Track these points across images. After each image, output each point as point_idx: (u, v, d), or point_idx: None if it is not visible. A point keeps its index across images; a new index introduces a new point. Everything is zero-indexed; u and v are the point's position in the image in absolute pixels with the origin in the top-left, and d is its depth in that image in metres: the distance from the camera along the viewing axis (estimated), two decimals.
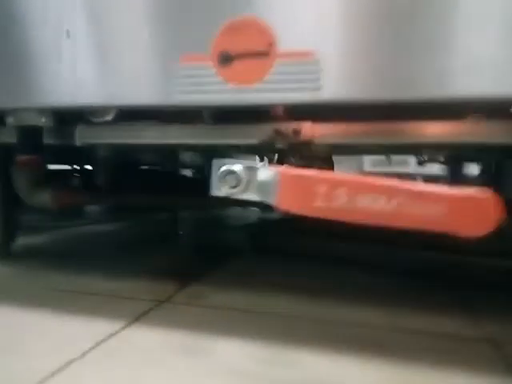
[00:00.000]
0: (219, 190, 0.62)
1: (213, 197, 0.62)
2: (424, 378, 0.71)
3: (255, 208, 3.46)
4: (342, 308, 1.02)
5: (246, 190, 0.60)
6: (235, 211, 3.16)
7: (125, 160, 1.93)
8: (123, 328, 0.86)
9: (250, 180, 0.60)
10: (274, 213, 2.96)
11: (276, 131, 1.01)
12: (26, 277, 1.22)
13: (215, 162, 0.63)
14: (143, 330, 0.86)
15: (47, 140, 1.18)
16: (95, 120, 1.13)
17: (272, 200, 0.58)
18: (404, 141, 0.95)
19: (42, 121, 1.11)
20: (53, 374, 0.67)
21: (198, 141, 1.09)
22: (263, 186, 0.59)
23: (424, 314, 0.99)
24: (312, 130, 0.99)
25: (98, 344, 0.78)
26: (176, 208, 2.57)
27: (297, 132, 1.00)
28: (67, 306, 0.97)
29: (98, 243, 1.80)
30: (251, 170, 0.60)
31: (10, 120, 1.14)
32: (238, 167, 0.61)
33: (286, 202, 0.57)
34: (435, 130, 0.93)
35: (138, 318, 0.91)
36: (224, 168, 0.61)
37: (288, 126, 1.00)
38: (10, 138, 1.18)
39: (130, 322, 0.88)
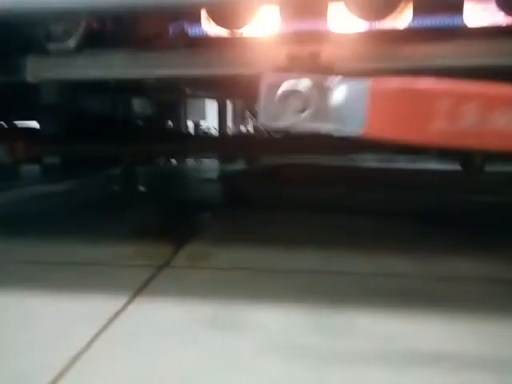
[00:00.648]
0: (277, 117, 0.46)
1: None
2: (494, 326, 0.63)
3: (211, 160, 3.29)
4: (363, 257, 0.92)
5: (317, 115, 0.45)
6: (190, 164, 2.98)
7: (73, 109, 1.66)
8: (128, 302, 0.69)
9: (323, 101, 0.44)
10: (236, 164, 2.82)
11: (290, 56, 0.84)
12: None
13: (266, 78, 0.46)
14: (153, 302, 0.70)
15: None
16: (53, 47, 0.89)
17: (357, 126, 0.44)
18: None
19: None
20: (61, 375, 0.50)
21: (185, 70, 0.90)
22: (344, 108, 0.43)
23: (449, 259, 0.92)
24: (334, 53, 0.83)
25: (105, 326, 0.61)
26: (133, 160, 2.33)
27: (315, 56, 0.84)
28: (51, 280, 0.78)
29: (54, 205, 1.56)
30: (324, 87, 0.45)
31: None
32: (305, 84, 0.45)
33: (382, 127, 0.42)
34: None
35: (140, 288, 0.75)
36: (285, 86, 0.45)
37: (303, 50, 0.84)
38: None
39: (134, 295, 0.72)
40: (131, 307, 0.68)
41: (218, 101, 3.14)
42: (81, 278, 0.80)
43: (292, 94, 0.46)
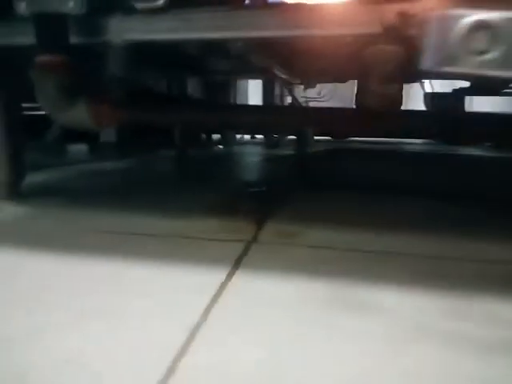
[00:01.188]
0: (452, 60, 0.39)
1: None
2: None
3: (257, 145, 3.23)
4: (466, 242, 0.83)
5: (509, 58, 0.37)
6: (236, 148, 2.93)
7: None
8: (231, 275, 0.64)
9: None
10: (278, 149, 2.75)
11: (401, 14, 0.76)
12: (53, 218, 0.97)
13: (441, 12, 0.38)
14: (257, 276, 0.64)
15: (72, 38, 0.88)
16: (141, 6, 0.84)
17: None
18: None
19: (69, 5, 0.81)
20: (186, 347, 0.45)
21: (281, 32, 0.83)
22: None
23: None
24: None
25: (215, 297, 0.56)
26: (186, 143, 2.30)
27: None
28: (140, 251, 0.74)
29: (118, 181, 1.53)
30: None
31: (21, 6, 0.83)
32: (495, 17, 0.37)
33: None
34: None
35: (238, 261, 0.69)
36: (470, 19, 0.37)
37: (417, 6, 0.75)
38: (19, 36, 0.88)
39: (234, 267, 0.67)
40: (236, 280, 0.62)
41: (264, 81, 3.08)
42: (171, 250, 0.75)
43: (477, 29, 0.38)
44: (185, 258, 0.71)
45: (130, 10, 0.84)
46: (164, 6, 0.83)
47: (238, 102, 3.46)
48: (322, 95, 4.11)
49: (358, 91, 1.59)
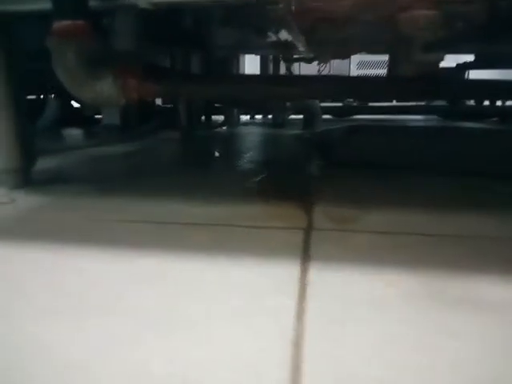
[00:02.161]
0: None
1: None
2: None
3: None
4: None
5: None
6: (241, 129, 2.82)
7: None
8: (305, 270, 0.55)
9: None
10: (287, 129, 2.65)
11: None
12: (73, 208, 0.87)
13: None
14: (334, 271, 0.55)
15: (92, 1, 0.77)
16: None
17: None
18: None
19: None
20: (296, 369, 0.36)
21: None
22: None
23: None
24: None
25: (301, 303, 0.47)
26: (191, 124, 2.19)
27: None
28: (186, 242, 0.65)
29: (130, 165, 1.43)
30: None
31: None
32: None
33: None
34: None
35: (305, 253, 0.61)
36: None
37: None
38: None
39: (304, 260, 0.58)
40: (313, 275, 0.53)
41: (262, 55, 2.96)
42: (222, 241, 0.66)
43: None
44: (243, 250, 0.62)
45: None
46: None
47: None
48: (320, 71, 4.01)
49: (391, 61, 1.49)
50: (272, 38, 1.77)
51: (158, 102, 3.18)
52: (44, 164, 1.30)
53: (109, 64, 0.75)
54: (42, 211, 0.84)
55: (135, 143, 1.93)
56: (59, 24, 0.72)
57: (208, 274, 0.54)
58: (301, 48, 1.86)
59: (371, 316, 0.44)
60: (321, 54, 1.90)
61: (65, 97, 2.90)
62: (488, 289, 0.50)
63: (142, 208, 0.85)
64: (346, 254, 0.60)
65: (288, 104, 2.66)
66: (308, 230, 0.71)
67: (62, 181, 1.13)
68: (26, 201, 0.91)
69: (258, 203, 0.88)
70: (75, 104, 3.06)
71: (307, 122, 2.67)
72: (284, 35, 1.76)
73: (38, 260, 0.60)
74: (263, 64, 3.01)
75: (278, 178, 1.18)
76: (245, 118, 3.62)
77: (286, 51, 1.86)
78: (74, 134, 2.53)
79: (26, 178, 1.02)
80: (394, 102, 4.94)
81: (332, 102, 4.44)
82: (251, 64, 3.27)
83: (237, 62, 2.83)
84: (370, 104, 3.96)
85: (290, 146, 1.95)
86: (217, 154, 1.74)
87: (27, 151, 1.01)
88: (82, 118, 2.81)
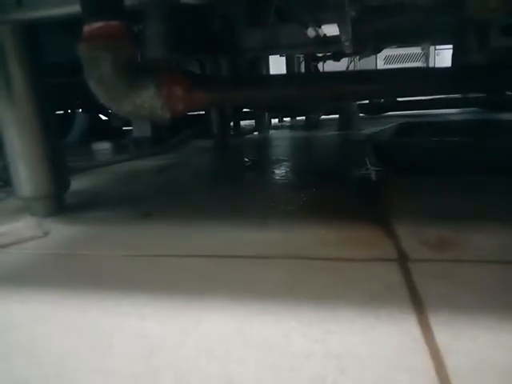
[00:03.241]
0: None
1: None
2: None
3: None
4: None
5: None
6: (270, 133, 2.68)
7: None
8: (426, 332, 0.41)
9: None
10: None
11: None
12: (115, 240, 0.75)
13: None
14: (472, 329, 0.41)
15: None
16: None
17: None
18: None
19: None
20: None
21: None
22: None
23: None
24: None
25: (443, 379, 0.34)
26: (225, 130, 2.07)
27: None
28: (243, 286, 0.53)
29: (167, 181, 1.32)
30: None
31: None
32: None
33: None
34: None
35: (414, 299, 0.47)
36: None
37: None
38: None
39: (419, 315, 0.44)
40: (440, 334, 0.40)
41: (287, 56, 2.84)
42: (291, 281, 0.53)
43: None
44: (325, 298, 0.48)
45: None
46: None
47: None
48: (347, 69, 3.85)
49: (456, 50, 1.32)
50: (311, 33, 1.64)
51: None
52: (76, 184, 1.21)
53: (149, 73, 0.63)
54: (81, 245, 0.73)
55: (168, 155, 1.83)
56: (90, 26, 0.61)
57: (305, 340, 0.41)
58: (345, 42, 1.72)
59: None
60: (365, 47, 1.76)
61: (92, 110, 2.85)
62: None
63: (188, 236, 0.73)
64: (470, 299, 0.46)
65: (324, 103, 2.51)
66: (403, 262, 0.57)
67: (98, 204, 1.02)
68: (60, 233, 0.80)
69: (323, 224, 0.75)
70: (103, 117, 3.01)
71: (343, 122, 2.52)
72: (326, 29, 1.63)
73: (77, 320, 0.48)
74: (289, 64, 2.89)
75: (332, 190, 1.04)
76: (274, 121, 3.50)
77: (326, 47, 1.72)
78: (103, 148, 2.46)
79: (59, 204, 0.92)
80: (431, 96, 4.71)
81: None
82: (275, 65, 3.14)
83: (266, 64, 2.71)
84: (405, 99, 3.76)
85: (333, 151, 1.80)
86: (255, 163, 1.61)
87: (59, 173, 0.91)
88: (111, 131, 2.75)
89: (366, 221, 0.75)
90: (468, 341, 0.39)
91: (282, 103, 1.25)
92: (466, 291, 0.48)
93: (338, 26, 1.32)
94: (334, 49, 1.83)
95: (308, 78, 0.80)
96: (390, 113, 3.38)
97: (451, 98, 3.63)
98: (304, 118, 2.88)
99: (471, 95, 3.80)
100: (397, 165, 1.25)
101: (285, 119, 3.53)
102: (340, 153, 1.74)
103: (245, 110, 2.91)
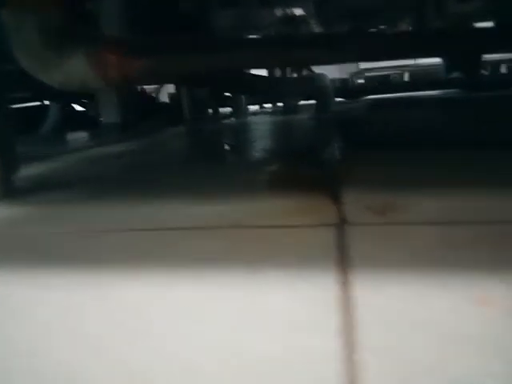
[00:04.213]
0: None
1: None
2: None
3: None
4: None
5: None
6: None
7: None
8: (345, 286, 0.40)
9: None
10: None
11: None
12: (59, 220, 0.73)
13: None
14: (388, 286, 0.40)
15: None
16: None
17: None
18: None
19: None
20: None
21: None
22: None
23: None
24: None
25: (349, 334, 0.32)
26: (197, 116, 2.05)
27: None
28: (183, 253, 0.51)
29: (129, 165, 1.29)
30: None
31: None
32: None
33: None
34: None
35: (340, 259, 0.46)
36: None
37: None
38: None
39: (341, 273, 0.43)
40: (359, 291, 0.38)
41: None
42: (236, 247, 0.52)
43: None
44: (251, 262, 0.47)
45: None
46: None
47: None
48: None
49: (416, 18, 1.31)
50: (278, 13, 1.61)
51: (164, 98, 3.05)
52: (32, 171, 1.18)
53: (80, 39, 0.60)
54: (24, 225, 0.71)
55: (137, 142, 1.80)
56: None
57: (217, 298, 0.40)
58: (312, 23, 1.70)
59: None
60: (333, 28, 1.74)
61: (66, 100, 2.80)
62: None
63: (138, 213, 0.71)
64: (394, 259, 0.45)
65: (297, 89, 2.49)
66: (341, 226, 0.56)
67: (53, 187, 1.00)
68: (7, 214, 0.78)
69: (275, 197, 0.73)
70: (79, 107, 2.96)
71: (320, 106, 2.51)
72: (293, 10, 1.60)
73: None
74: None
75: (295, 166, 1.03)
76: (254, 107, 3.47)
77: (294, 28, 1.70)
78: (78, 137, 2.41)
79: (6, 188, 0.89)
80: (408, 78, 4.71)
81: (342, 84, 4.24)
82: None
83: None
84: (384, 83, 3.76)
85: (306, 132, 1.79)
86: (225, 146, 1.59)
87: (6, 158, 0.88)
88: (87, 121, 2.70)
89: (317, 191, 0.74)
90: (382, 296, 0.37)
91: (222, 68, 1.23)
92: (394, 251, 0.47)
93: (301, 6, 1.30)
94: (303, 30, 1.81)
95: (251, 43, 0.78)
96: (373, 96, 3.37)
97: (433, 80, 3.63)
98: (282, 103, 2.86)
99: (453, 77, 3.82)
100: (360, 140, 1.24)
101: (265, 105, 3.51)
102: (310, 133, 1.72)
103: (224, 95, 2.88)
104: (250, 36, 1.92)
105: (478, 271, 0.40)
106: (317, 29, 1.66)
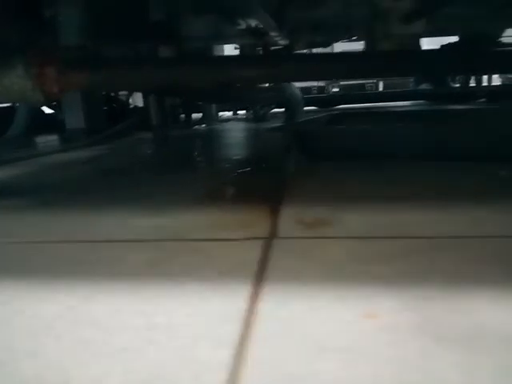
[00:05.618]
0: None
1: None
2: None
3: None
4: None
5: None
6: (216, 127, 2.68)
7: None
8: (253, 300, 0.42)
9: None
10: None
11: None
12: (18, 228, 0.73)
13: None
14: (294, 300, 0.42)
15: None
16: None
17: None
18: None
19: None
20: None
21: None
22: None
23: None
24: None
25: (239, 355, 0.34)
26: (163, 122, 2.05)
27: None
28: (115, 268, 0.52)
29: (90, 172, 1.29)
30: None
31: None
32: None
33: None
34: None
35: (259, 274, 0.48)
36: None
37: None
38: None
39: (256, 287, 0.45)
40: (265, 306, 0.41)
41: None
42: (161, 261, 0.53)
43: None
44: (177, 275, 0.49)
45: None
46: None
47: None
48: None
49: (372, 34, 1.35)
50: (243, 25, 1.64)
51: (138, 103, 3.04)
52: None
53: (18, 51, 0.61)
54: None
55: (103, 147, 1.79)
56: None
57: (130, 312, 0.42)
58: (274, 35, 1.73)
59: (344, 358, 0.32)
60: (295, 41, 1.78)
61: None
62: (490, 312, 0.38)
63: (91, 223, 0.72)
64: (310, 272, 0.48)
65: (268, 96, 2.53)
66: (270, 240, 0.58)
67: (16, 193, 1.00)
68: None
69: (218, 209, 0.75)
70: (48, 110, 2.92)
71: (289, 115, 2.55)
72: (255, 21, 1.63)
73: None
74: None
75: (248, 176, 1.05)
76: (227, 114, 3.50)
77: (258, 39, 1.73)
78: (44, 140, 2.38)
79: None
80: (380, 89, 4.83)
81: (317, 93, 4.31)
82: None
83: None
84: (355, 92, 3.84)
85: (269, 141, 1.82)
86: (191, 154, 1.60)
87: None
88: (57, 124, 2.67)
89: (259, 204, 0.76)
90: (287, 310, 0.40)
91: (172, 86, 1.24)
92: (314, 265, 0.49)
93: (258, 18, 1.33)
94: (268, 42, 1.84)
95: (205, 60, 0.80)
96: (344, 106, 3.44)
97: (401, 92, 3.74)
98: (252, 111, 2.89)
99: (420, 88, 3.93)
100: (317, 151, 1.27)
101: (238, 112, 3.54)
102: (271, 142, 1.75)
103: (194, 102, 2.89)
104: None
105: (374, 286, 0.43)
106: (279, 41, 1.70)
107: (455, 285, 0.43)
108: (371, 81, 4.72)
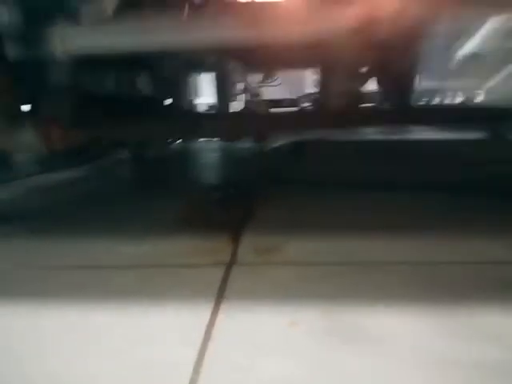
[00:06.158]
0: None
1: None
2: None
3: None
4: (443, 242, 0.83)
5: None
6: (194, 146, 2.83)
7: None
8: (216, 312, 0.58)
9: None
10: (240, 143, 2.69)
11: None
12: (3, 254, 0.87)
13: None
14: (245, 312, 0.59)
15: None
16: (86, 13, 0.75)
17: None
18: None
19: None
20: None
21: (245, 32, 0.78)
22: None
23: None
24: None
25: (204, 347, 0.51)
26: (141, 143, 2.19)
27: None
28: (105, 287, 0.67)
29: (70, 196, 1.42)
30: None
31: None
32: None
33: None
34: None
35: (220, 294, 0.64)
36: None
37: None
38: None
39: (218, 302, 0.61)
40: (222, 318, 0.57)
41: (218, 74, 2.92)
42: (140, 284, 0.69)
43: None
44: (156, 295, 0.64)
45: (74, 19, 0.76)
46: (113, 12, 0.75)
47: (192, 93, 3.30)
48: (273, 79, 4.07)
49: (320, 90, 1.55)
50: None
51: None
52: None
53: (28, 113, 0.76)
54: None
55: (82, 168, 1.92)
56: None
57: (120, 324, 0.57)
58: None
59: (278, 361, 0.48)
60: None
61: None
62: (378, 321, 0.55)
63: (72, 249, 0.86)
64: (260, 291, 0.64)
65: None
66: (230, 265, 0.74)
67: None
68: None
69: (191, 235, 0.90)
70: None
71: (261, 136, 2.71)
72: None
73: None
74: (220, 84, 2.88)
75: (216, 203, 1.21)
76: None
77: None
78: (26, 159, 2.45)
79: None
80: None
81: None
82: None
83: (186, 80, 2.82)
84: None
85: (237, 164, 1.99)
86: (163, 176, 1.75)
87: None
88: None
89: (224, 232, 0.92)
90: (237, 321, 0.56)
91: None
92: (264, 286, 0.66)
93: None
94: None
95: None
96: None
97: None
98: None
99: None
100: (281, 178, 1.45)
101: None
102: (242, 164, 1.92)
103: None
104: None
105: (304, 301, 0.60)
106: None
107: (366, 301, 0.60)
108: None
